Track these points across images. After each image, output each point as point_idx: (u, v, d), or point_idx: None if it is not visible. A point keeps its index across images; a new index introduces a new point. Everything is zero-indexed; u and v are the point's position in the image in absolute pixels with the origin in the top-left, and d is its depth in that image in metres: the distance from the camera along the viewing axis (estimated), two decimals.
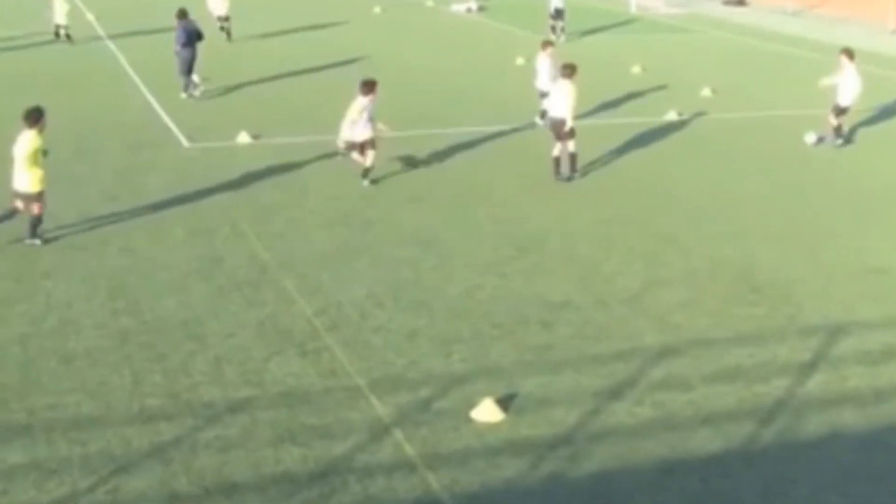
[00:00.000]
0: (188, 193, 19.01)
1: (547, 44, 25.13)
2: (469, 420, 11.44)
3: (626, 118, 26.30)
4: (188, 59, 27.43)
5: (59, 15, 35.18)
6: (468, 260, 16.30)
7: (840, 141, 24.01)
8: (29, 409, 11.42)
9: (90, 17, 39.63)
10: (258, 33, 38.37)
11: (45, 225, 16.88)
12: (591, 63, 33.94)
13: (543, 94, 24.28)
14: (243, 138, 23.16)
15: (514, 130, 24.50)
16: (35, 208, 16.41)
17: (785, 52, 39.31)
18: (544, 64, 24.51)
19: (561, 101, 20.61)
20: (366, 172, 19.86)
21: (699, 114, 27.14)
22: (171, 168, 21.09)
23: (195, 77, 28.36)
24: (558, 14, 39.90)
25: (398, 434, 11.17)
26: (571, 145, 20.72)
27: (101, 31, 37.87)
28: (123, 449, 10.71)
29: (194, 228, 17.29)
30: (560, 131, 20.62)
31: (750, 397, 12.15)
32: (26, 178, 16.30)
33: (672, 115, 26.62)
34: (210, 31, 31.60)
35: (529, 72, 25.26)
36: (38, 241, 16.42)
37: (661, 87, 30.66)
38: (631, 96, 29.32)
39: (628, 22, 47.36)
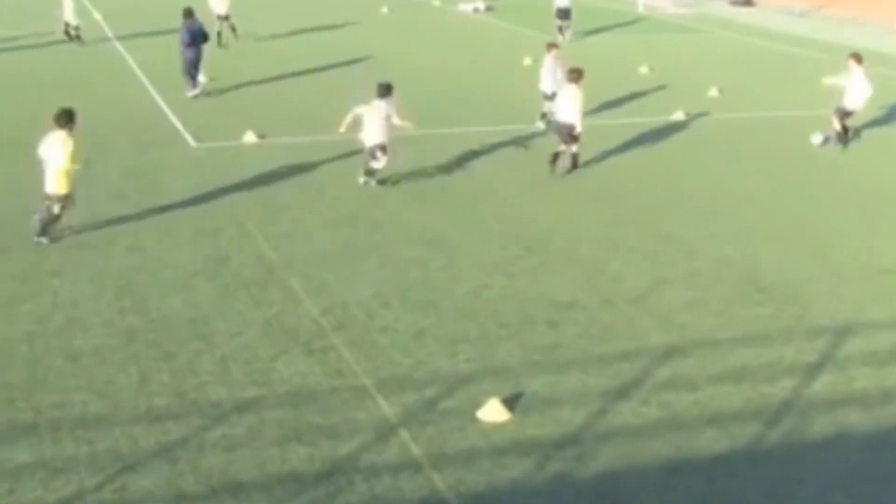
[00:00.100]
0: (195, 193, 19.02)
1: (551, 46, 25.10)
2: (475, 420, 11.45)
3: (633, 118, 26.28)
4: (191, 58, 27.45)
5: (69, 13, 35.10)
6: (475, 260, 16.30)
7: (842, 144, 23.99)
8: (36, 408, 11.44)
9: (97, 16, 39.66)
10: (265, 33, 38.37)
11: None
12: (599, 63, 33.97)
13: (546, 97, 24.31)
14: (250, 138, 23.18)
15: (521, 131, 24.48)
16: (55, 208, 16.48)
17: (792, 52, 39.26)
18: (548, 66, 24.48)
19: (568, 105, 20.73)
20: (373, 172, 19.80)
21: (706, 114, 27.11)
22: (178, 168, 21.11)
23: (202, 77, 28.41)
24: (565, 14, 39.83)
25: (404, 434, 11.18)
26: (574, 147, 20.82)
27: (108, 31, 37.91)
28: (130, 448, 10.73)
29: (201, 228, 17.31)
30: (566, 135, 20.74)
31: (756, 398, 12.14)
32: (55, 180, 16.39)
33: (679, 115, 26.60)
34: (213, 31, 31.57)
35: (537, 72, 25.22)
36: (45, 240, 16.45)
37: (669, 87, 30.65)
38: (638, 96, 29.31)
39: (636, 22, 47.32)
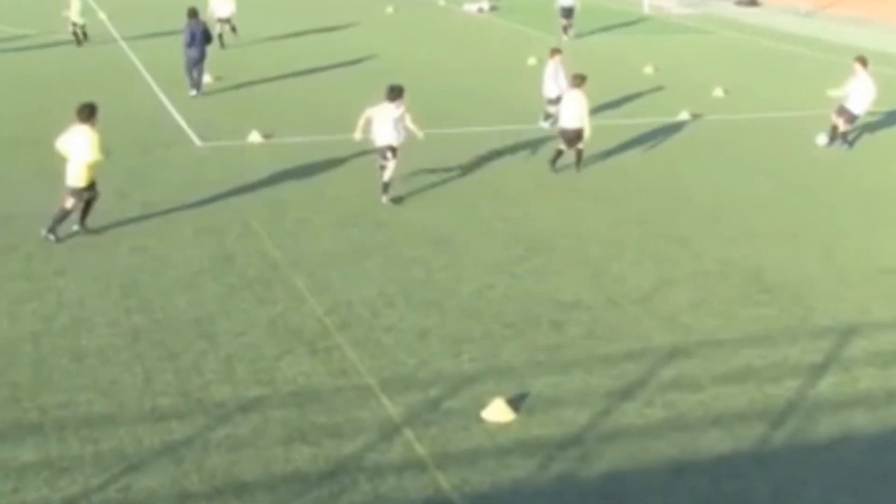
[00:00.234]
0: (200, 192, 19.03)
1: (555, 51, 25.11)
2: (479, 420, 11.46)
3: (637, 118, 26.27)
4: (192, 58, 27.49)
5: (75, 13, 35.05)
6: (479, 260, 16.30)
7: (846, 146, 23.99)
8: (41, 408, 11.46)
9: (102, 15, 39.68)
10: (271, 32, 38.39)
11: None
12: (604, 63, 34.04)
13: (550, 101, 24.38)
14: (255, 137, 23.19)
15: (526, 130, 24.48)
16: (68, 202, 16.57)
17: (797, 52, 39.24)
18: (551, 70, 24.51)
19: (574, 110, 20.90)
20: (385, 186, 19.04)
21: (711, 114, 27.10)
22: (183, 167, 21.13)
23: (206, 77, 28.45)
24: (568, 12, 39.93)
25: (408, 433, 11.19)
26: (580, 144, 21.06)
27: (112, 30, 37.94)
28: (135, 447, 10.75)
29: (206, 227, 17.32)
30: (572, 139, 20.96)
31: (760, 398, 12.14)
32: (76, 173, 16.53)
33: (684, 116, 26.60)
34: (214, 34, 31.54)
35: (541, 73, 25.25)
36: (52, 237, 16.50)
37: (673, 88, 30.64)
38: (643, 96, 29.31)
39: (641, 22, 47.31)
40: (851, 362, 13.17)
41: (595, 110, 26.33)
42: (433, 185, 20.12)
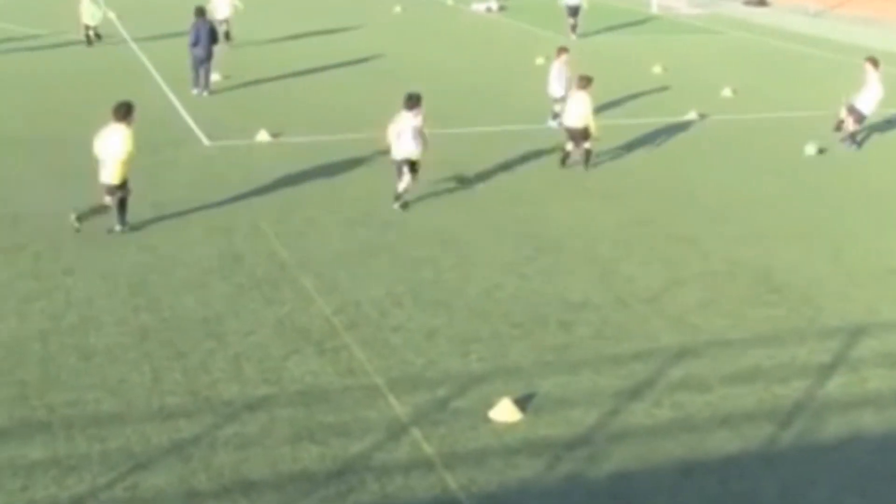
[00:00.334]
0: (208, 191, 19.05)
1: (562, 50, 25.13)
2: (487, 420, 11.45)
3: (646, 118, 26.24)
4: (198, 57, 27.58)
5: (87, 15, 34.79)
6: (487, 259, 16.30)
7: (854, 146, 23.94)
8: (49, 406, 11.48)
9: (111, 15, 39.75)
10: (279, 32, 38.42)
11: (67, 223, 17.01)
12: (612, 63, 34.02)
13: (555, 100, 24.47)
14: (263, 137, 23.21)
15: (534, 130, 24.47)
16: (106, 199, 16.82)
17: (806, 52, 39.16)
18: (557, 70, 24.55)
19: (577, 109, 21.04)
20: (399, 196, 18.64)
21: (719, 114, 27.06)
22: (191, 166, 21.16)
23: (215, 76, 28.52)
24: (574, 11, 40.03)
25: (416, 433, 11.18)
26: (587, 143, 21.13)
27: (122, 30, 38.00)
28: (143, 446, 10.76)
29: (214, 226, 17.34)
30: (577, 138, 21.08)
31: (769, 398, 12.12)
32: (111, 170, 16.67)
33: (692, 116, 26.56)
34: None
35: (549, 72, 25.25)
36: (77, 224, 16.72)
37: (682, 88, 30.61)
38: (651, 96, 29.28)
39: (649, 22, 47.26)
40: (860, 363, 13.14)
41: (604, 110, 26.35)
42: (441, 186, 20.09)
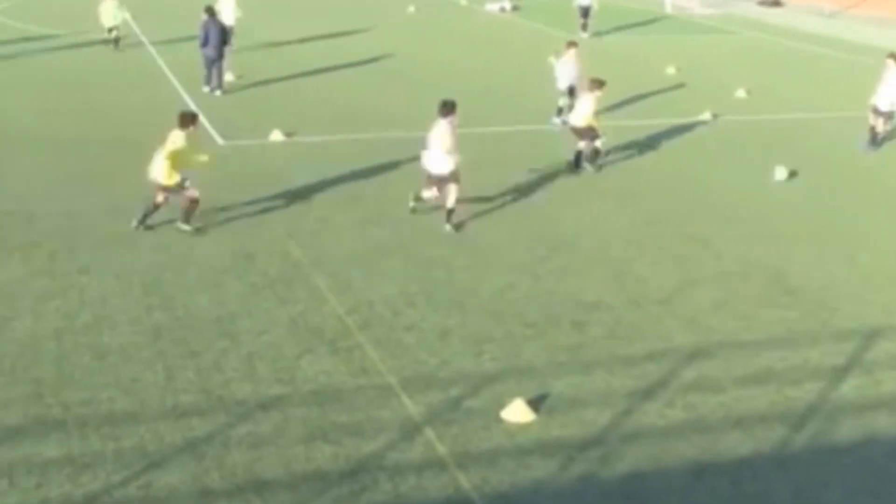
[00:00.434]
0: (221, 191, 19.05)
1: (570, 45, 25.27)
2: (500, 420, 11.46)
3: (659, 118, 26.20)
4: (209, 57, 27.67)
5: (107, 17, 34.22)
6: (500, 260, 16.30)
7: (872, 147, 23.82)
8: (63, 404, 11.52)
9: (126, 15, 39.84)
10: (293, 31, 38.46)
11: (82, 222, 17.13)
12: (626, 63, 33.98)
13: (561, 93, 24.79)
14: (276, 136, 23.24)
15: (547, 130, 24.47)
16: (159, 197, 16.99)
17: (820, 53, 39.06)
18: (564, 63, 24.76)
19: (580, 110, 21.22)
20: (449, 214, 17.72)
21: (733, 115, 27.01)
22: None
23: (228, 76, 28.60)
24: (585, 11, 40.14)
25: (429, 433, 11.19)
26: (598, 142, 21.21)
27: (137, 30, 38.08)
28: (156, 444, 10.79)
29: (227, 226, 17.37)
30: (583, 137, 21.18)
31: (782, 400, 12.10)
32: (162, 171, 16.85)
33: (706, 116, 26.52)
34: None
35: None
36: (185, 227, 17.03)
37: (695, 88, 30.57)
38: (665, 97, 29.24)
39: (663, 22, 47.20)
40: (874, 365, 13.10)
41: (617, 110, 26.40)
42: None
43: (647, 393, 12.18)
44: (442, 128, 17.45)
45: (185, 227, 17.04)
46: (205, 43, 27.56)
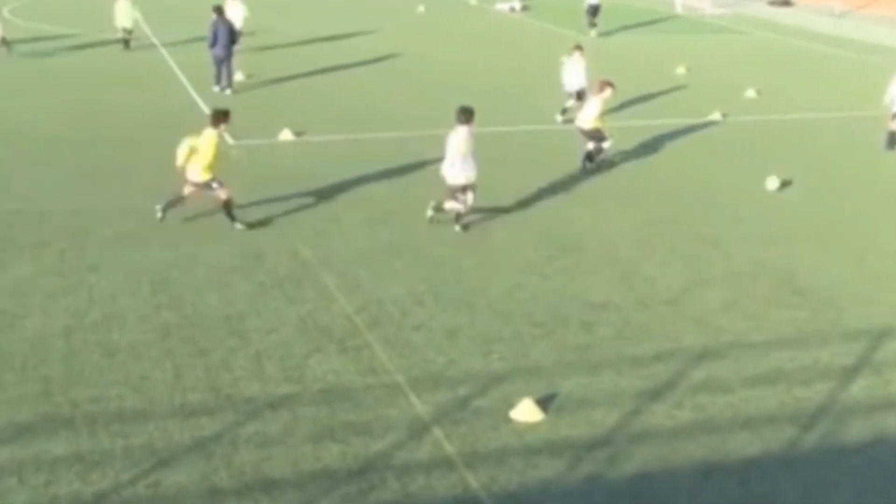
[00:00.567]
0: (232, 190, 19.05)
1: (577, 47, 25.39)
2: (508, 420, 11.46)
3: (669, 118, 26.17)
4: (217, 57, 27.77)
5: (122, 17, 34.01)
6: (509, 259, 16.29)
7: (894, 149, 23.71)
8: (72, 402, 11.55)
9: (137, 15, 39.91)
10: (302, 31, 38.50)
11: (92, 220, 17.16)
12: (636, 63, 33.97)
13: (569, 94, 24.92)
14: (286, 136, 23.27)
15: (556, 130, 24.47)
16: (221, 194, 17.12)
17: (831, 53, 38.98)
18: (573, 67, 24.80)
19: (586, 112, 21.30)
20: (459, 216, 17.57)
21: (743, 115, 26.97)
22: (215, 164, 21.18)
23: (238, 76, 28.66)
24: (594, 11, 40.20)
25: (437, 432, 11.20)
26: (605, 144, 21.26)
27: (147, 30, 38.14)
28: (165, 443, 10.81)
29: (222, 225, 17.37)
30: (589, 138, 21.22)
31: (791, 401, 12.08)
32: (195, 169, 17.00)
33: (716, 116, 26.49)
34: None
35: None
36: (238, 226, 17.14)
37: (705, 88, 30.53)
38: (674, 97, 29.21)
39: (673, 22, 47.17)
40: (883, 365, 13.07)
41: (627, 110, 26.38)
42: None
43: (656, 393, 12.17)
44: (461, 135, 17.06)
45: (239, 226, 17.14)
46: (213, 43, 27.68)
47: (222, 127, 17.13)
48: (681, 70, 33.07)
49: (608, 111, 22.32)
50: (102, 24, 36.06)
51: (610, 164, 21.55)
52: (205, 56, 28.70)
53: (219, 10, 28.20)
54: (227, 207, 17.20)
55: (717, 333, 13.87)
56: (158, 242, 16.56)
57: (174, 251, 16.23)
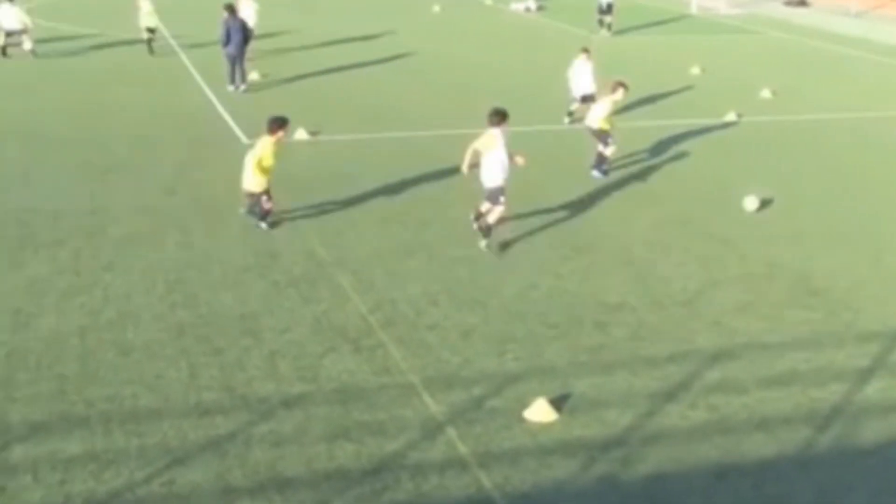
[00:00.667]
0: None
1: (583, 50, 25.30)
2: (522, 420, 11.45)
3: (684, 119, 26.11)
4: (230, 55, 27.82)
5: (145, 18, 33.49)
6: (523, 260, 16.28)
7: None
8: (87, 401, 11.58)
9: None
10: (317, 31, 38.53)
11: (107, 220, 17.22)
12: (650, 63, 33.90)
13: (574, 98, 24.85)
14: (301, 135, 23.28)
15: (570, 130, 24.43)
16: (266, 206, 17.17)
17: (846, 53, 38.83)
18: (579, 70, 24.70)
19: (594, 112, 21.07)
20: (488, 230, 16.68)
21: (758, 115, 26.90)
22: (230, 163, 21.16)
23: (254, 75, 28.72)
24: (608, 9, 40.17)
25: (451, 432, 11.20)
26: (608, 150, 20.97)
27: (163, 29, 38.22)
28: (179, 441, 10.84)
29: (251, 224, 17.40)
30: (596, 139, 21.06)
31: (805, 402, 12.04)
32: (252, 179, 17.01)
33: (731, 117, 26.41)
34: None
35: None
36: (263, 225, 17.25)
37: (720, 89, 30.45)
38: (689, 97, 29.14)
39: (688, 22, 47.06)
40: None
41: (642, 111, 26.33)
42: (477, 185, 20.04)
43: (670, 394, 12.15)
44: (494, 138, 16.35)
45: (263, 226, 17.21)
46: (226, 42, 27.70)
47: (280, 134, 17.04)
48: (696, 70, 33.00)
49: (618, 111, 22.21)
50: (121, 23, 36.15)
51: (604, 171, 21.29)
52: (218, 53, 28.74)
53: (230, 9, 28.22)
54: (265, 214, 17.26)
55: (732, 334, 13.84)
56: (173, 241, 16.60)
57: (189, 250, 16.26)
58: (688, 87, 30.37)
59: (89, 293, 14.54)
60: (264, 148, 16.93)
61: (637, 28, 42.35)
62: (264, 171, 16.97)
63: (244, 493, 10.04)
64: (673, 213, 18.85)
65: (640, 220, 18.43)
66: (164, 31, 37.30)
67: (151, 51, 33.42)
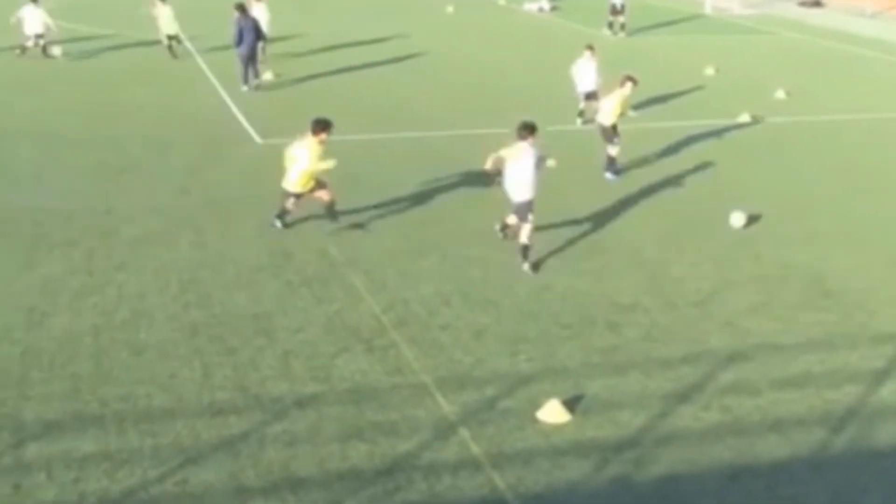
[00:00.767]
0: (259, 189, 19.13)
1: (588, 47, 25.32)
2: (535, 420, 11.44)
3: (698, 120, 26.06)
4: (242, 55, 27.88)
5: (165, 24, 32.97)
6: (536, 260, 16.25)
7: None
8: (101, 400, 11.61)
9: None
10: (330, 31, 38.57)
11: (120, 219, 17.27)
12: (664, 63, 33.84)
13: (584, 96, 24.89)
14: None
15: (582, 130, 24.40)
16: (288, 203, 17.18)
17: (861, 54, 38.71)
18: (584, 67, 24.74)
19: (605, 107, 21.02)
20: (525, 251, 16.02)
21: (773, 116, 26.82)
22: (243, 163, 21.29)
23: (267, 75, 28.77)
24: (621, 9, 40.16)
25: (464, 432, 11.20)
26: (613, 151, 20.90)
27: (180, 32, 38.31)
28: (193, 441, 10.86)
29: (265, 224, 17.42)
30: (606, 137, 20.98)
31: (819, 404, 12.00)
32: (294, 179, 16.99)
33: (745, 118, 26.34)
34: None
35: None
36: (278, 223, 17.24)
37: (734, 89, 30.37)
38: (703, 98, 29.07)
39: (702, 22, 46.96)
40: None
41: (656, 111, 26.28)
42: (489, 185, 20.05)
43: (683, 395, 12.12)
44: (521, 150, 15.80)
45: (278, 224, 17.23)
46: (239, 42, 27.74)
47: (322, 136, 16.92)
48: (710, 71, 32.93)
49: (634, 110, 22.17)
50: (136, 24, 36.23)
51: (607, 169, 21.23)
52: (232, 54, 28.79)
53: (241, 8, 28.23)
54: (283, 213, 17.26)
55: (746, 335, 13.81)
56: (187, 241, 16.63)
57: (202, 250, 16.29)
58: (702, 88, 30.31)
59: (103, 293, 14.57)
60: (313, 149, 16.80)
61: (650, 28, 42.28)
62: (309, 171, 16.91)
63: (257, 493, 10.05)
64: (686, 213, 18.81)
65: (652, 220, 18.41)
66: (180, 33, 37.43)
67: (174, 55, 33.13)
